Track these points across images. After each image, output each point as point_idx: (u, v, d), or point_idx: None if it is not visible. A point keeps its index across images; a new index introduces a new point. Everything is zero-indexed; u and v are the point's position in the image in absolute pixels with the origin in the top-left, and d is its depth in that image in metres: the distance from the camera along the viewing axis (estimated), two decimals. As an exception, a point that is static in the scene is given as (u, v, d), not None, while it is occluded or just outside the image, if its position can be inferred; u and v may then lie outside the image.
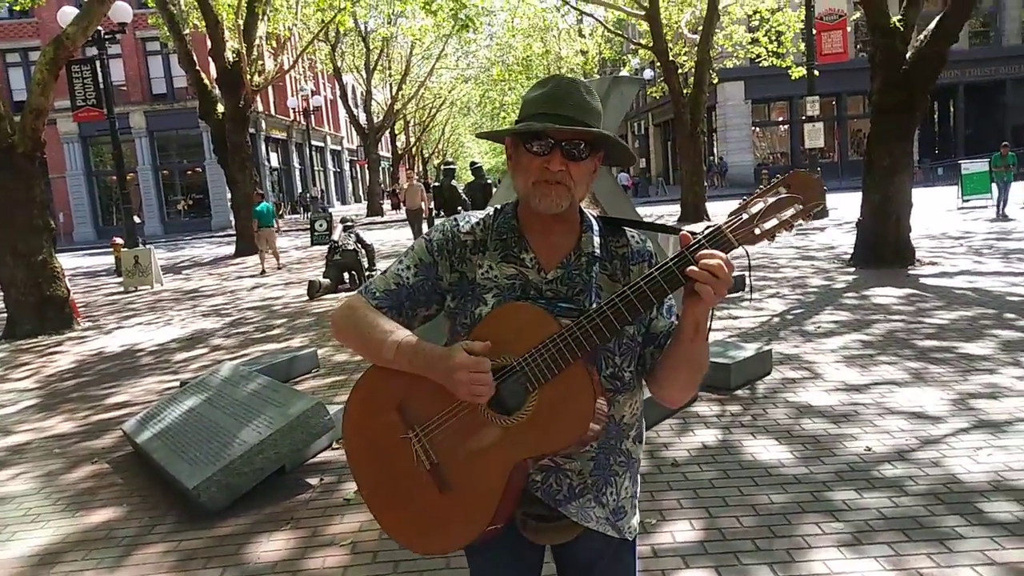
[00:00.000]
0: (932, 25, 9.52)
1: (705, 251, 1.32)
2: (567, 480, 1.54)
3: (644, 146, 44.09)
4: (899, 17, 9.74)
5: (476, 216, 1.62)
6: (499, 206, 1.62)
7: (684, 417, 4.76)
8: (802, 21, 17.82)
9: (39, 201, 10.23)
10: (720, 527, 3.34)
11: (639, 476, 1.68)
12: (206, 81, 18.98)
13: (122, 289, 14.19)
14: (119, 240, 16.39)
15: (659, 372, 1.56)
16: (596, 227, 1.59)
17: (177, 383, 6.43)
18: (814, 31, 17.00)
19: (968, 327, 6.59)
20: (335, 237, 12.10)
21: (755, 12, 19.02)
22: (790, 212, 1.34)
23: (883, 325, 6.88)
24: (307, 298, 11.05)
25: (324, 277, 11.61)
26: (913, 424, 4.41)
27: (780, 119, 33.80)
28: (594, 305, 1.46)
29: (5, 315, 10.26)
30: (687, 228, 1.40)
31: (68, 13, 15.30)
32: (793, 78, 19.33)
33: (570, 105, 1.45)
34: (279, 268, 15.86)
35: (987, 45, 32.64)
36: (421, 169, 63.27)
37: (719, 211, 20.98)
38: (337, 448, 4.61)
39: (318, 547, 3.45)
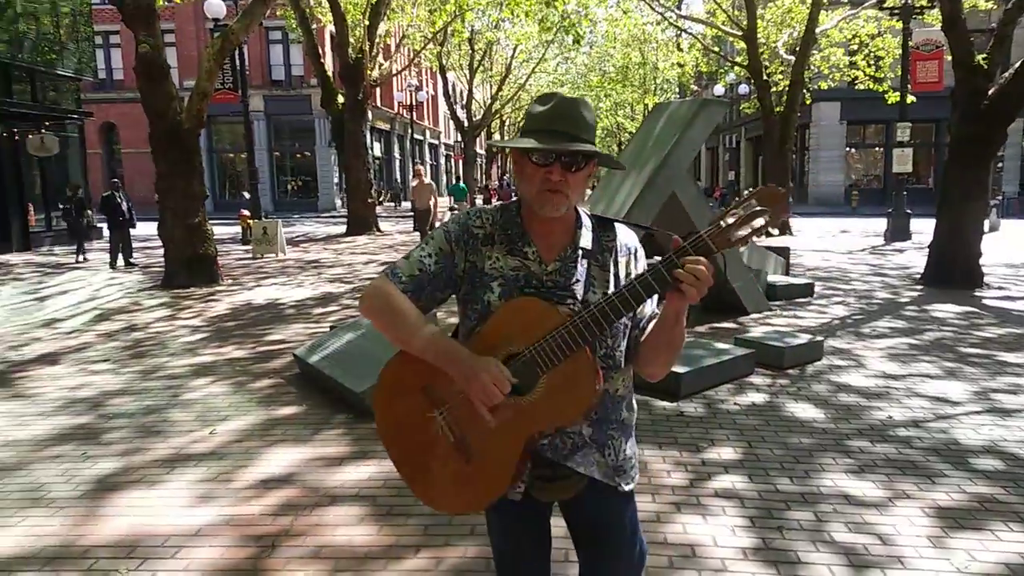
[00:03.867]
0: (1018, 64, 10.08)
1: (690, 256, 1.56)
2: (570, 439, 1.78)
3: (735, 159, 44.28)
4: (984, 55, 10.34)
5: (485, 211, 1.83)
6: (503, 204, 1.86)
7: (740, 384, 5.80)
8: (901, 47, 18.16)
9: (198, 172, 11.96)
10: (756, 453, 4.41)
11: (635, 440, 1.94)
12: (329, 73, 20.76)
13: (251, 256, 16.00)
14: (246, 212, 18.35)
15: (642, 352, 1.81)
16: (589, 224, 1.82)
17: (323, 328, 7.84)
18: (910, 59, 17.37)
19: (1013, 341, 7.30)
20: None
21: (854, 36, 19.38)
22: (759, 222, 1.55)
23: (934, 334, 7.67)
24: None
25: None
26: (934, 405, 5.33)
27: (875, 142, 33.60)
28: (588, 294, 1.73)
29: (162, 268, 12.06)
30: (676, 235, 1.66)
31: (215, 4, 17.29)
32: (889, 102, 19.58)
33: (569, 122, 1.67)
34: None
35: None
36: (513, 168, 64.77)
37: (803, 227, 21.50)
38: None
39: (456, 439, 4.68)
